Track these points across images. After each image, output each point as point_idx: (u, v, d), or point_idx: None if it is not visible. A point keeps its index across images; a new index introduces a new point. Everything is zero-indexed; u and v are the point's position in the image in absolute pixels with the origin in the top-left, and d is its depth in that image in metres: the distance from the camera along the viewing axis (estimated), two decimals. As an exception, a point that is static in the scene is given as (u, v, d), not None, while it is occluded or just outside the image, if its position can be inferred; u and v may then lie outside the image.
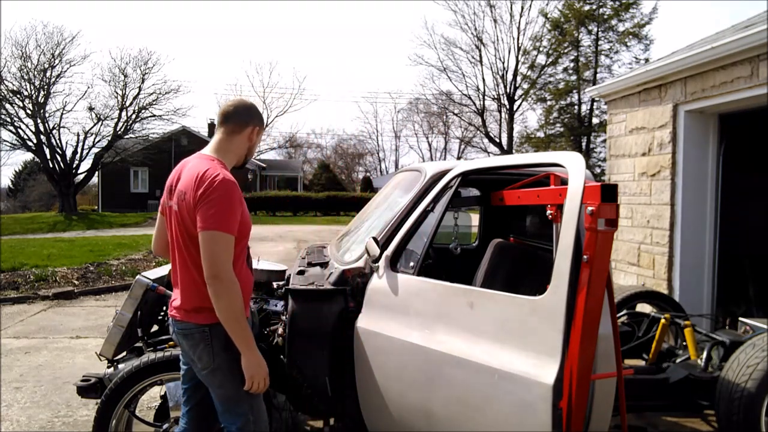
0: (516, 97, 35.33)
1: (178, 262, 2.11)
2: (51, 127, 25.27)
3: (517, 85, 35.07)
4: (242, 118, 2.20)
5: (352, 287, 2.61)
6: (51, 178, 26.22)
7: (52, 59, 25.11)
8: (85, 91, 38.14)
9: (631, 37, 31.50)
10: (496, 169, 2.75)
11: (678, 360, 3.45)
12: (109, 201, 30.80)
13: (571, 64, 33.43)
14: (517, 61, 34.50)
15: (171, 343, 2.80)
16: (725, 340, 3.38)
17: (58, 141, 25.75)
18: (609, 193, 1.90)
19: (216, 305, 1.96)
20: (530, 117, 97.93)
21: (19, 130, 24.64)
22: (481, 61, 35.07)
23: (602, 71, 32.65)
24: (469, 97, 36.28)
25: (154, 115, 27.68)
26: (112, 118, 26.79)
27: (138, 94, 26.95)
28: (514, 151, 35.23)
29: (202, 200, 1.95)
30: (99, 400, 2.62)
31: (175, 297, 2.16)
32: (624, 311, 4.20)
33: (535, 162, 2.68)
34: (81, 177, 27.45)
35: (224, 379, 2.09)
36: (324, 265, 2.94)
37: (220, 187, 1.95)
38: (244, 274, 2.15)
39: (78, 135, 26.38)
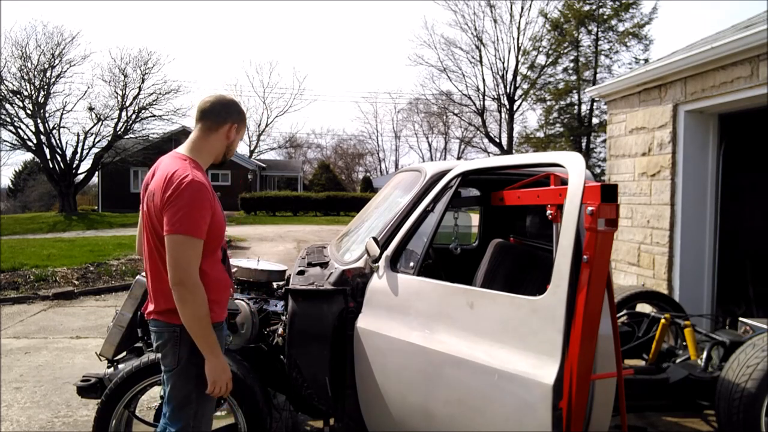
0: (516, 97, 35.34)
1: (149, 262, 2.06)
2: (51, 127, 25.25)
3: (517, 85, 35.09)
4: (220, 116, 2.10)
5: (352, 287, 2.61)
6: (51, 178, 26.20)
7: (52, 59, 25.08)
8: (85, 91, 37.97)
9: (630, 37, 31.50)
10: (496, 169, 2.75)
11: (678, 360, 3.46)
12: (109, 201, 30.78)
13: (571, 64, 33.43)
14: (517, 61, 34.55)
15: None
16: (725, 340, 3.38)
17: (58, 141, 25.73)
18: (609, 193, 1.90)
19: (181, 311, 1.92)
20: (530, 117, 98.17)
21: (19, 130, 24.63)
22: (481, 61, 35.12)
23: (602, 71, 32.69)
24: (469, 97, 36.33)
25: (154, 115, 27.65)
26: (112, 118, 26.77)
27: (138, 94, 26.92)
28: (514, 151, 35.22)
29: (169, 203, 1.90)
30: (99, 400, 2.62)
31: (149, 300, 2.10)
32: (624, 311, 4.20)
33: (535, 162, 2.68)
34: (81, 177, 27.42)
35: (179, 381, 2.04)
36: (324, 265, 2.93)
37: (188, 189, 1.89)
38: (216, 274, 2.07)
39: (78, 135, 26.34)
